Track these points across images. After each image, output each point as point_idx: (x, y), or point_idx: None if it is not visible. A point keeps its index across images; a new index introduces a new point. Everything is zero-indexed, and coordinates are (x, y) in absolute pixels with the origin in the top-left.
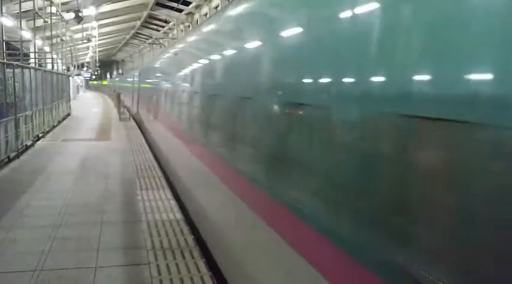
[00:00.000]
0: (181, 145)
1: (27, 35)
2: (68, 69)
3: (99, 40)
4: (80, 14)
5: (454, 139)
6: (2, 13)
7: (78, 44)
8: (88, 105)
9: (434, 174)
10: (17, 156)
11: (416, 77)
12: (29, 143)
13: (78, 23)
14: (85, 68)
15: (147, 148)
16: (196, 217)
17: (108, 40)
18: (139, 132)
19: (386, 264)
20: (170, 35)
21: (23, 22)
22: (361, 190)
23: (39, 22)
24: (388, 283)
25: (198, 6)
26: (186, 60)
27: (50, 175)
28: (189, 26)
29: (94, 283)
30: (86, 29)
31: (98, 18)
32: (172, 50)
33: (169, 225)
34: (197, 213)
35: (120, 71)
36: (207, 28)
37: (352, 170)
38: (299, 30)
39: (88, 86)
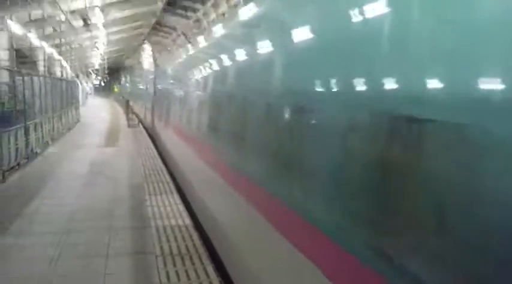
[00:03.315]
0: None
1: (36, 42)
2: (77, 76)
3: (107, 47)
4: (89, 22)
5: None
6: (12, 22)
7: (87, 51)
8: (97, 112)
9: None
10: (27, 163)
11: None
12: (39, 150)
13: (87, 30)
14: (94, 75)
15: (156, 154)
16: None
17: (117, 47)
18: (147, 138)
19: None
20: (178, 42)
21: (33, 30)
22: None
23: (49, 30)
24: None
25: (205, 13)
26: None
27: (59, 181)
28: (196, 33)
29: None
30: (95, 37)
31: (106, 25)
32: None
33: (178, 231)
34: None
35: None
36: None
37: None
38: None
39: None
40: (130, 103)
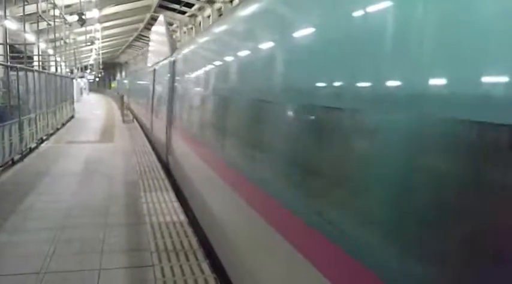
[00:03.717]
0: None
1: (31, 37)
2: (72, 72)
3: (102, 42)
4: (83, 17)
5: None
6: (6, 16)
7: (81, 47)
8: (91, 108)
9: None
10: (21, 159)
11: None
12: (33, 145)
13: (82, 25)
14: (88, 70)
15: (150, 150)
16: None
17: (112, 42)
18: (142, 134)
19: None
20: (173, 37)
21: (27, 25)
22: None
23: (43, 25)
24: None
25: (201, 8)
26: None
27: (53, 178)
28: (192, 28)
29: None
30: (89, 32)
31: (101, 20)
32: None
33: (173, 227)
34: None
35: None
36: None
37: None
38: None
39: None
40: (125, 99)
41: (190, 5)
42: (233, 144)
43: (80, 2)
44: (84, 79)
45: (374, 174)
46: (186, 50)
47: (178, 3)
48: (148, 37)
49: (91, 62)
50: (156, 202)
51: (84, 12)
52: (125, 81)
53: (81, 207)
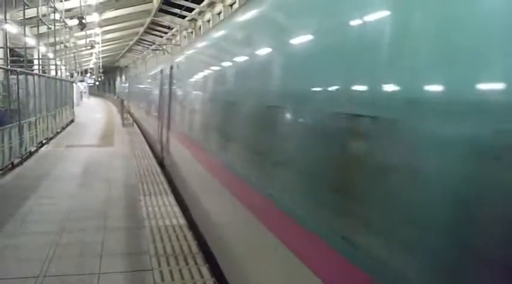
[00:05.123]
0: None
1: (31, 41)
2: (72, 76)
3: (102, 46)
4: (84, 21)
5: None
6: (6, 20)
7: (81, 51)
8: (91, 111)
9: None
10: (21, 162)
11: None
12: (33, 149)
13: (82, 29)
14: (88, 74)
15: (150, 154)
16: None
17: (112, 46)
18: (142, 137)
19: None
20: (173, 41)
21: (27, 29)
22: None
23: (43, 29)
24: None
25: (201, 13)
26: None
27: (53, 181)
28: (192, 32)
29: None
30: (90, 36)
31: (101, 24)
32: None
33: (173, 231)
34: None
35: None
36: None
37: None
38: None
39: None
40: (125, 102)
41: (190, 10)
42: None
43: (81, 6)
44: (84, 83)
45: None
46: None
47: (179, 7)
48: (148, 41)
49: (91, 65)
50: (156, 205)
51: (84, 16)
52: (139, 86)
53: (80, 211)
